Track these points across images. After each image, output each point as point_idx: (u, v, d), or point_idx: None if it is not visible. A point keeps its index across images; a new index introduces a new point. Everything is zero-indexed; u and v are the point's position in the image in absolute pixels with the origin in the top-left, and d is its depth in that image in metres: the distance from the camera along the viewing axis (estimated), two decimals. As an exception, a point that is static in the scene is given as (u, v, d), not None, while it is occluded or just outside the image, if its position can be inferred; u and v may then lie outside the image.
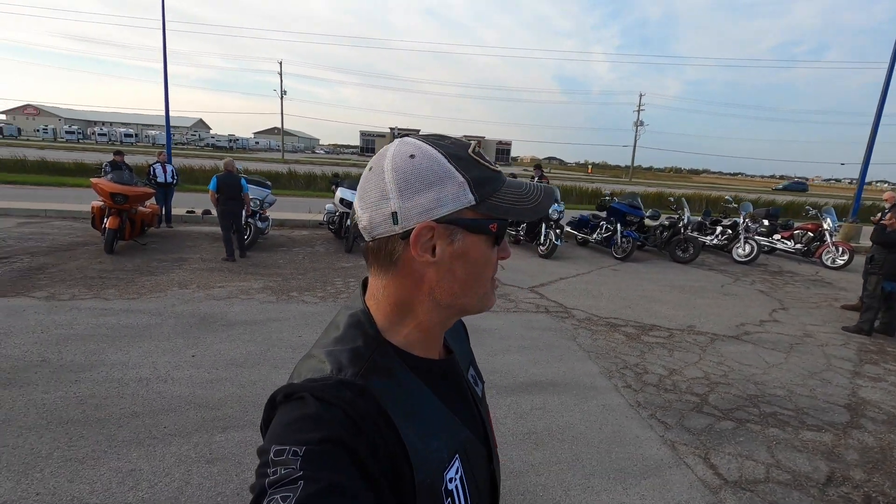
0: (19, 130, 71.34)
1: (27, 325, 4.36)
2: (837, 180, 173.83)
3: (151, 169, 9.15)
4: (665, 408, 3.60)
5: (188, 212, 10.53)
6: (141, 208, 7.90)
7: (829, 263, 9.79)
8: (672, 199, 11.02)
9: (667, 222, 10.13)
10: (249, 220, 8.05)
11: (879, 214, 6.60)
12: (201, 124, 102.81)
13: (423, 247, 0.58)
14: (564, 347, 4.65)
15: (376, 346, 0.60)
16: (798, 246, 10.45)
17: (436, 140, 0.60)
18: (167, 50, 12.99)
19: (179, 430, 2.93)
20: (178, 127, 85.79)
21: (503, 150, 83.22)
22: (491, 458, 0.72)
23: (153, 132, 70.98)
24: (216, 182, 7.02)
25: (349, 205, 8.33)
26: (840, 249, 9.79)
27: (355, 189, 8.20)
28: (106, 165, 8.33)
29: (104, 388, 3.35)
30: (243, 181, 7.33)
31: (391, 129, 75.69)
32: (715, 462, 2.95)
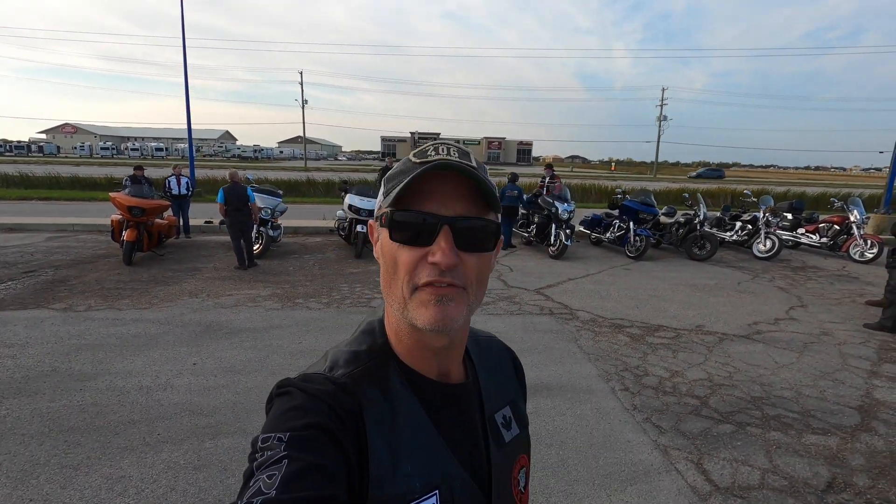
0: (58, 148, 74.81)
1: (43, 335, 4.56)
2: (878, 169, 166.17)
3: (167, 182, 9.45)
4: (661, 411, 3.51)
5: (206, 222, 10.83)
6: (158, 220, 8.18)
7: (857, 257, 9.36)
8: (687, 195, 10.73)
9: (682, 219, 9.87)
10: (261, 228, 8.23)
11: None
12: (228, 136, 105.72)
13: (375, 245, 0.62)
14: (564, 350, 4.59)
15: (378, 354, 0.62)
16: (824, 240, 10.03)
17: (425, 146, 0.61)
18: (189, 65, 13.42)
19: (172, 437, 3.01)
20: (205, 139, 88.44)
21: (524, 150, 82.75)
22: None
23: (182, 145, 73.27)
24: (223, 194, 7.19)
25: (358, 211, 8.43)
26: (869, 242, 9.35)
27: (364, 195, 8.29)
28: (126, 180, 8.64)
29: (106, 396, 3.48)
30: (249, 191, 7.49)
31: (412, 133, 76.26)
32: (707, 467, 2.86)
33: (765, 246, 9.37)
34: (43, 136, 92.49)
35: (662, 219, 10.03)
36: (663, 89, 58.74)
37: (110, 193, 7.89)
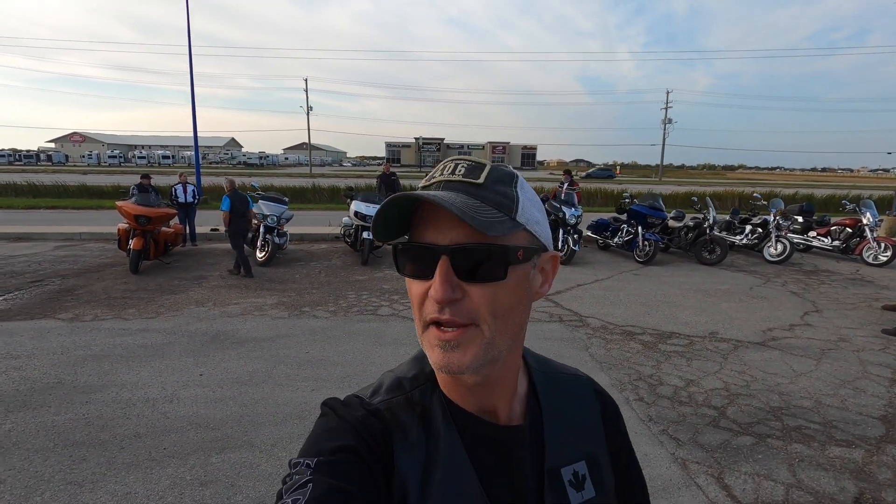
0: (67, 157, 75.59)
1: (49, 346, 4.53)
2: (886, 170, 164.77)
3: (173, 190, 9.47)
4: (678, 422, 3.41)
5: (212, 230, 10.84)
6: (164, 228, 8.17)
7: (870, 260, 9.20)
8: (695, 199, 10.62)
9: (691, 223, 9.76)
10: (268, 236, 8.21)
11: None
12: (233, 143, 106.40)
13: None
14: (575, 358, 4.50)
15: (422, 383, 0.59)
16: (836, 243, 9.87)
17: None
18: (195, 73, 13.49)
19: (178, 451, 2.95)
20: (211, 147, 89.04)
21: (528, 154, 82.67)
22: None
23: (188, 153, 73.83)
24: (229, 201, 7.16)
25: (364, 217, 8.39)
26: (882, 245, 9.19)
27: (370, 202, 8.26)
28: (133, 188, 8.65)
29: (112, 409, 3.43)
30: (248, 198, 7.53)
31: (416, 139, 76.46)
32: (729, 482, 2.77)
33: (776, 249, 9.23)
34: (52, 145, 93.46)
35: (671, 223, 9.93)
36: (667, 92, 58.62)
37: (117, 202, 7.90)
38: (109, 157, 71.44)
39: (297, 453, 0.54)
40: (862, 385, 4.05)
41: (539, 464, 0.59)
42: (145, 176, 9.33)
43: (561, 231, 8.84)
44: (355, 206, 8.58)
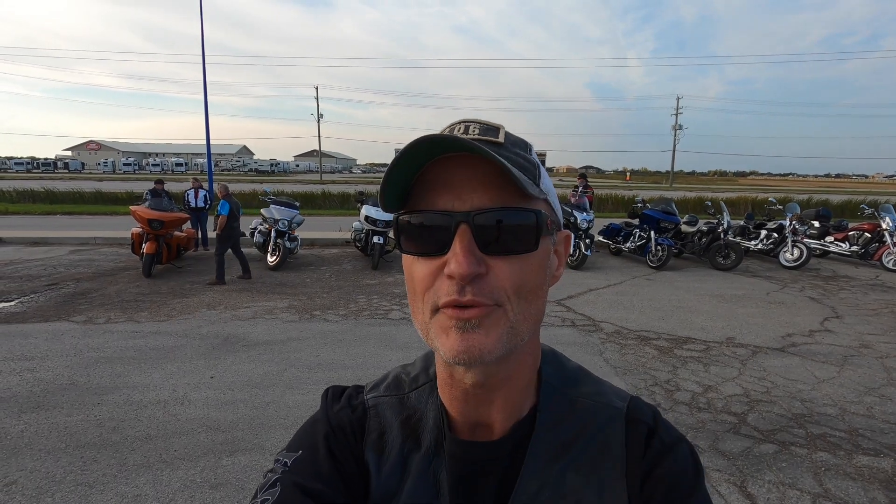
0: (83, 165, 77.00)
1: (63, 348, 4.55)
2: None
3: (186, 195, 9.55)
4: (698, 429, 3.32)
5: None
6: (177, 233, 8.23)
7: (890, 266, 8.99)
8: (709, 203, 10.48)
9: (705, 227, 9.63)
10: (279, 240, 8.24)
11: None
12: (245, 150, 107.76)
13: None
14: (590, 363, 4.42)
15: (421, 384, 0.55)
16: (854, 248, 9.67)
17: None
18: (209, 82, 13.67)
19: (189, 453, 2.93)
20: (223, 154, 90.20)
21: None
22: None
23: (201, 160, 74.86)
24: (228, 206, 7.12)
25: (374, 222, 8.39)
26: (903, 250, 8.99)
27: (380, 206, 8.37)
28: (146, 193, 8.74)
29: (123, 410, 3.42)
30: (239, 204, 7.67)
31: (425, 145, 76.71)
32: (752, 491, 2.67)
33: (792, 255, 9.06)
34: (69, 153, 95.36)
35: (684, 227, 9.80)
36: (678, 98, 58.37)
37: (131, 207, 7.97)
38: (124, 164, 72.69)
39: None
40: (888, 392, 3.92)
41: (502, 497, 0.49)
42: (159, 181, 9.43)
43: (573, 236, 8.75)
44: (366, 210, 8.58)
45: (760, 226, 10.27)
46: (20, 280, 7.13)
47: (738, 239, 9.97)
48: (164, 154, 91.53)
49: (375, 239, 8.42)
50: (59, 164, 73.83)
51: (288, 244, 8.42)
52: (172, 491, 2.59)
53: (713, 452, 3.04)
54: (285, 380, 3.96)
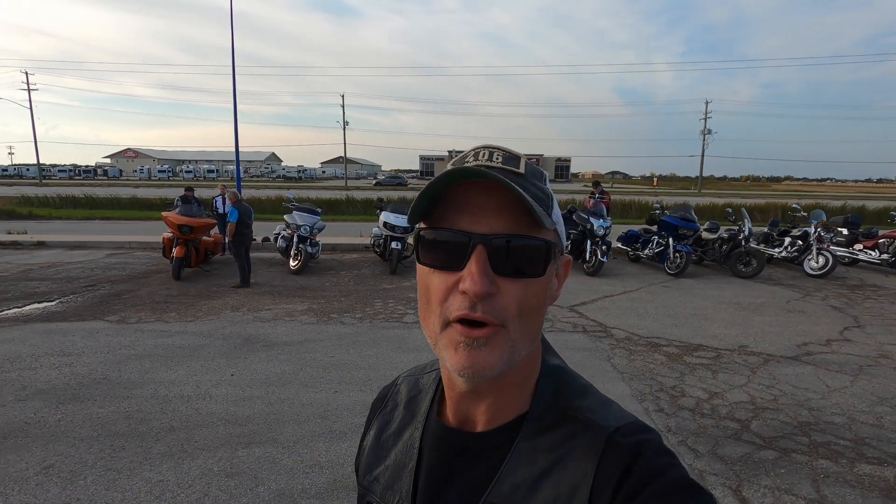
0: (121, 171, 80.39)
1: (98, 345, 4.87)
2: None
3: (214, 201, 9.97)
4: (698, 434, 3.36)
5: (263, 240, 11.28)
6: (205, 238, 8.61)
7: (923, 275, 8.68)
8: (730, 210, 10.31)
9: (726, 234, 9.48)
10: (300, 245, 8.53)
11: None
12: (274, 157, 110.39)
13: None
14: (597, 368, 4.48)
15: (435, 369, 0.64)
16: (884, 256, 9.37)
17: None
18: (238, 91, 14.20)
19: (208, 444, 3.14)
20: (252, 161, 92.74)
21: (562, 166, 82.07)
22: None
23: (231, 167, 77.10)
24: (238, 213, 7.32)
25: (392, 228, 8.59)
26: (936, 259, 8.67)
27: (398, 213, 8.44)
28: (177, 200, 9.18)
29: (150, 403, 3.67)
30: (251, 210, 7.85)
31: (449, 152, 77.19)
32: (747, 495, 2.71)
33: (817, 263, 8.84)
34: (108, 160, 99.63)
35: (704, 234, 9.68)
36: (706, 102, 57.21)
37: (163, 213, 8.40)
38: (159, 171, 75.50)
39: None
40: (901, 403, 3.86)
41: (478, 494, 0.51)
42: (189, 188, 9.88)
43: (588, 242, 8.78)
44: (384, 216, 8.80)
45: (785, 233, 10.05)
46: (61, 282, 7.60)
47: (761, 246, 9.79)
48: (196, 161, 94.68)
49: (393, 245, 8.63)
50: (99, 171, 77.26)
51: (309, 249, 8.70)
52: (192, 478, 2.80)
53: (711, 457, 3.08)
54: (300, 379, 4.16)
